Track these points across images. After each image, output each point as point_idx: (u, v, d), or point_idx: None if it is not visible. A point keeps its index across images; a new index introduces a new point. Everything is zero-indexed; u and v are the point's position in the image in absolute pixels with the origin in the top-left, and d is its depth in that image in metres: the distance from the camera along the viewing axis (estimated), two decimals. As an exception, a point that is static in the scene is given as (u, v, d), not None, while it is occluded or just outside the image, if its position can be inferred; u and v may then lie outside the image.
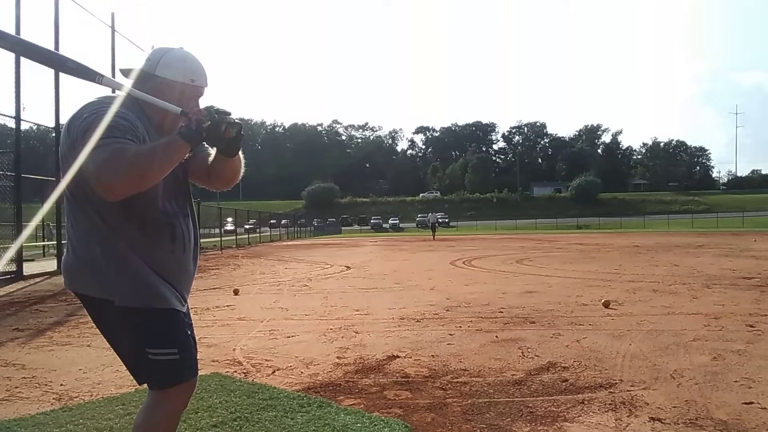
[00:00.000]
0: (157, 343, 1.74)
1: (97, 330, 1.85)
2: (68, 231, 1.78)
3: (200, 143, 1.72)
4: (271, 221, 48.13)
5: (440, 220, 68.93)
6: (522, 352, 4.17)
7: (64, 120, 12.14)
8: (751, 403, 2.96)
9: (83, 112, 1.67)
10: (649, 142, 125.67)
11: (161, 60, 1.77)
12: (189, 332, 1.83)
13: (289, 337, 4.88)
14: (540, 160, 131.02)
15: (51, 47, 10.97)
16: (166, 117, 1.79)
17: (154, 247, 1.76)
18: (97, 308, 1.78)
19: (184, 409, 1.88)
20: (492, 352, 4.19)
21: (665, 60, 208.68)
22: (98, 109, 1.65)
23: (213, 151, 1.82)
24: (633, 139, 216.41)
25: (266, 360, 4.06)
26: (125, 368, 1.86)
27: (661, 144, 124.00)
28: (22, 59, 9.92)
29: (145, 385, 1.83)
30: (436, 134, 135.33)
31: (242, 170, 1.96)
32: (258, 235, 34.99)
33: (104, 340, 1.86)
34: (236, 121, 1.70)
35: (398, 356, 4.11)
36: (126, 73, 1.84)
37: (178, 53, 1.81)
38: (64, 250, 1.85)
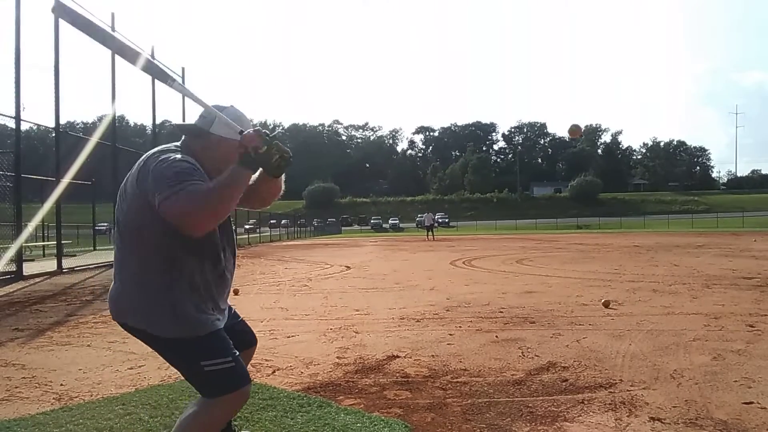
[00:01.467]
0: (211, 356, 1.89)
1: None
2: (119, 264, 1.93)
3: (258, 169, 1.86)
4: (271, 221, 48.11)
5: (440, 220, 68.94)
6: (522, 352, 4.17)
7: (64, 120, 12.14)
8: (751, 403, 2.96)
9: (156, 160, 1.83)
10: (649, 142, 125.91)
11: (216, 120, 1.95)
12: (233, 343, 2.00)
13: (289, 337, 4.88)
14: (540, 160, 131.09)
15: (51, 47, 11.00)
16: (215, 166, 1.93)
17: (206, 273, 1.94)
18: (146, 336, 1.93)
19: (229, 418, 2.07)
20: (492, 352, 4.19)
21: (665, 60, 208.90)
22: (168, 158, 1.83)
23: (257, 173, 1.95)
24: (633, 139, 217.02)
25: (266, 360, 4.06)
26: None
27: (661, 144, 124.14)
28: (22, 59, 9.94)
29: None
30: (436, 134, 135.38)
31: (283, 189, 2.13)
32: (258, 235, 35.02)
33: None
34: (285, 147, 1.85)
35: (398, 356, 4.11)
36: (183, 128, 2.04)
37: (230, 113, 1.99)
38: (113, 281, 1.97)
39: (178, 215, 1.70)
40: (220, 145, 1.96)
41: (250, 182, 1.92)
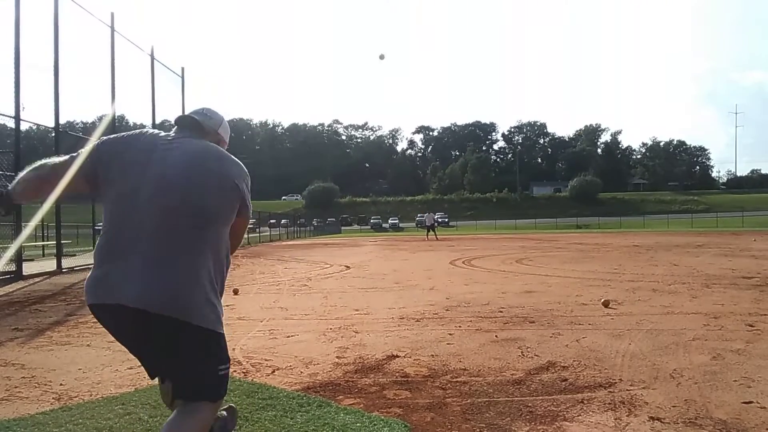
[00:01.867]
0: (225, 360, 2.02)
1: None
2: (172, 257, 1.87)
3: None
4: (271, 221, 48.10)
5: (439, 220, 68.89)
6: (522, 352, 4.17)
7: (63, 120, 12.11)
8: (751, 402, 2.96)
9: (245, 174, 2.11)
10: (649, 142, 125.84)
11: (222, 122, 2.26)
12: None
13: (288, 336, 4.88)
14: (540, 160, 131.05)
15: (51, 48, 10.98)
16: None
17: (225, 276, 2.08)
18: (177, 330, 1.88)
19: None
20: (492, 352, 4.19)
21: (666, 59, 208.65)
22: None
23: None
24: (633, 139, 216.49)
25: (266, 359, 4.06)
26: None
27: (661, 144, 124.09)
28: (22, 59, 9.94)
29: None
30: (436, 134, 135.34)
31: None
32: (257, 234, 35.01)
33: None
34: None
35: (398, 356, 4.12)
36: (204, 123, 2.19)
37: (226, 120, 2.30)
38: (156, 273, 1.84)
39: (241, 237, 2.18)
40: (220, 146, 2.20)
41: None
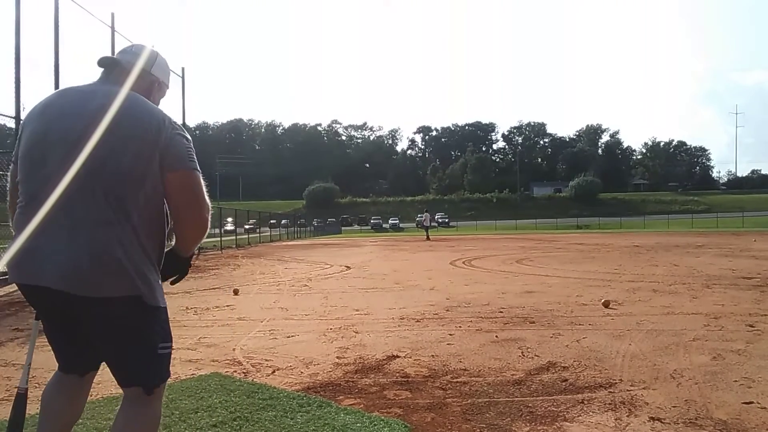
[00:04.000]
0: (165, 338, 1.81)
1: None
2: (94, 231, 1.65)
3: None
4: (271, 221, 48.13)
5: (439, 220, 68.82)
6: (522, 352, 4.17)
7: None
8: (751, 402, 2.96)
9: (178, 128, 1.76)
10: (649, 142, 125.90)
11: (156, 60, 1.89)
12: None
13: (288, 337, 4.88)
14: (540, 160, 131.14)
15: (51, 48, 10.99)
16: None
17: (164, 248, 1.85)
18: (109, 309, 1.68)
19: None
20: (492, 352, 4.19)
21: (666, 59, 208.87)
22: (180, 128, 1.78)
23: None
24: (633, 139, 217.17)
25: (266, 360, 4.06)
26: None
27: (661, 144, 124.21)
28: (22, 58, 9.93)
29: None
30: (436, 134, 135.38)
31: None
32: (258, 235, 34.98)
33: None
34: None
35: (398, 356, 4.11)
36: (118, 63, 1.86)
37: (162, 56, 1.93)
38: (72, 254, 1.64)
39: (203, 206, 1.78)
40: (157, 88, 1.89)
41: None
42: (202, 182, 1.77)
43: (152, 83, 1.89)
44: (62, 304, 1.69)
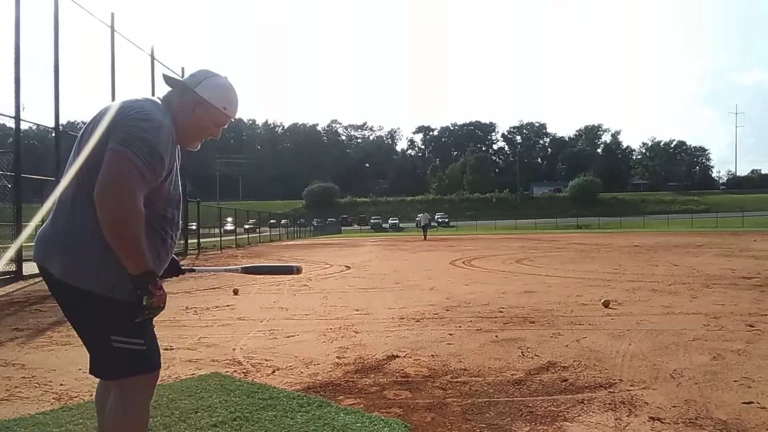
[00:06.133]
0: (120, 332, 1.79)
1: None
2: (65, 209, 1.79)
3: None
4: (271, 221, 48.13)
5: (439, 220, 68.81)
6: (522, 352, 4.17)
7: (63, 120, 12.12)
8: (751, 402, 2.96)
9: (136, 116, 1.74)
10: (649, 142, 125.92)
11: (204, 81, 1.91)
12: (152, 327, 1.92)
13: (288, 336, 4.88)
14: (540, 160, 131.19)
15: (51, 47, 10.98)
16: (186, 129, 1.91)
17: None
18: (70, 291, 1.85)
19: (149, 403, 1.96)
20: (492, 352, 4.19)
21: (666, 59, 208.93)
22: (150, 113, 1.76)
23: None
24: (633, 139, 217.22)
25: (266, 360, 4.06)
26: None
27: (661, 144, 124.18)
28: (22, 58, 9.93)
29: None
30: (436, 134, 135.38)
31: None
32: (258, 235, 34.99)
33: None
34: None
35: (398, 356, 4.11)
36: (169, 81, 1.97)
37: (221, 80, 1.95)
38: (48, 223, 1.83)
39: (112, 182, 1.65)
40: (197, 106, 1.89)
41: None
42: (134, 169, 1.66)
43: (195, 101, 1.89)
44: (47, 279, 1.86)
